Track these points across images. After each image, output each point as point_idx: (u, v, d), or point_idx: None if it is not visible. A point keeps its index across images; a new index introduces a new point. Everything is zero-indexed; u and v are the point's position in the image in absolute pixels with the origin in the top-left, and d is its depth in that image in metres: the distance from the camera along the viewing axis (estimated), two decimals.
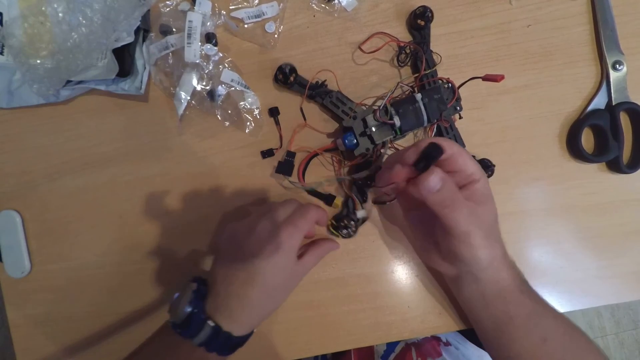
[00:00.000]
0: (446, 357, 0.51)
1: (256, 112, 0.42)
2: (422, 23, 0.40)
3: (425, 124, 0.38)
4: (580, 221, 0.42)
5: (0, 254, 0.44)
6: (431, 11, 0.40)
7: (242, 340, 0.34)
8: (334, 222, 0.41)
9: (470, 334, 0.56)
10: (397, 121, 0.37)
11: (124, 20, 0.38)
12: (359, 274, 0.43)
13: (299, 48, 0.43)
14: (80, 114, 0.44)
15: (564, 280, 0.42)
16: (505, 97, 0.42)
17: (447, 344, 0.52)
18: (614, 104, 0.41)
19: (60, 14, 0.38)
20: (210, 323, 0.31)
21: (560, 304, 0.42)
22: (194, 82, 0.41)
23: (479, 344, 0.54)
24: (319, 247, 0.39)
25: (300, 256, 0.36)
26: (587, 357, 0.34)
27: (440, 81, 0.39)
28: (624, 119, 0.42)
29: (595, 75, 0.42)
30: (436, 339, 0.52)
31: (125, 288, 0.44)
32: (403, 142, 0.42)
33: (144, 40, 0.42)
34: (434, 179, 0.29)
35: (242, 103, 0.42)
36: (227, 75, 0.41)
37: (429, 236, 0.36)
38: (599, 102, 0.41)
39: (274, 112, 0.42)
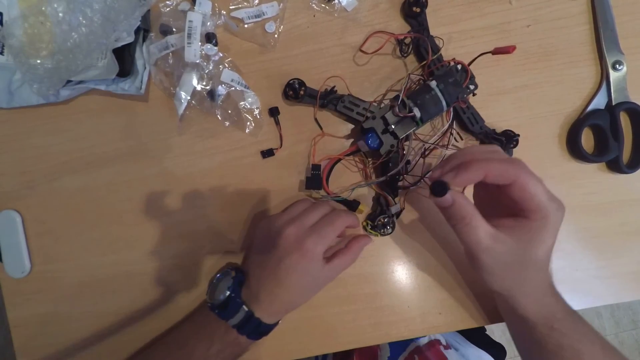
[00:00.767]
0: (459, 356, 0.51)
1: (256, 112, 0.42)
2: (418, 10, 0.40)
3: (445, 109, 0.38)
4: (580, 221, 0.42)
5: (0, 254, 0.44)
6: None
7: (269, 328, 0.37)
8: (370, 222, 0.41)
9: (470, 334, 0.56)
10: (417, 112, 0.37)
11: (124, 20, 0.38)
12: (359, 274, 0.43)
13: (299, 48, 0.43)
14: (80, 114, 0.44)
15: (564, 280, 0.42)
16: (505, 97, 0.42)
17: (447, 346, 0.52)
18: (613, 104, 0.41)
19: (60, 14, 0.38)
20: (245, 308, 0.35)
21: None
22: (194, 82, 0.41)
23: (479, 344, 0.54)
24: (348, 251, 0.38)
25: (330, 259, 0.37)
26: None
27: (448, 64, 0.39)
28: (624, 119, 0.42)
29: (595, 75, 0.42)
30: (437, 342, 0.52)
31: (125, 288, 0.44)
32: (424, 131, 0.42)
33: (144, 40, 0.42)
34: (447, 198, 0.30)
35: (242, 103, 0.42)
36: (227, 75, 0.41)
37: None
38: (599, 102, 0.41)
39: (274, 112, 0.42)
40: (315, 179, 0.40)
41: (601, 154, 0.41)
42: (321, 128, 0.42)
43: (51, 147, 0.44)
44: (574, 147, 0.42)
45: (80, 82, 0.41)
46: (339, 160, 0.42)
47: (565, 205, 0.42)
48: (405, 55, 0.42)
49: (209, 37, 0.41)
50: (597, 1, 0.41)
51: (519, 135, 0.40)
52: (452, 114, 0.40)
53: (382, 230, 0.41)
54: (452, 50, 0.42)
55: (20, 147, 0.45)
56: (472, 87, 0.39)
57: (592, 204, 0.42)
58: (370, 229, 0.41)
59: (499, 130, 0.41)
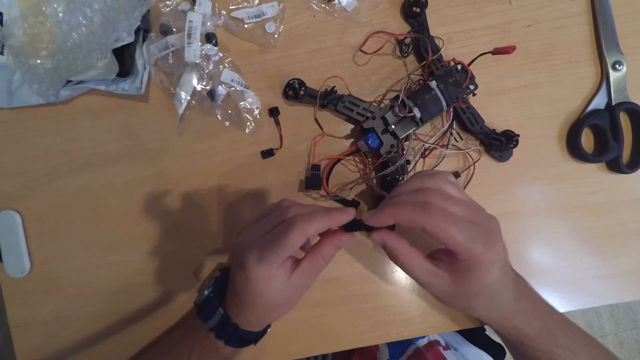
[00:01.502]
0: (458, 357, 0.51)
1: (256, 112, 0.42)
2: (418, 10, 0.41)
3: (445, 109, 0.38)
4: (580, 221, 0.42)
5: (1, 254, 0.44)
6: None
7: (251, 336, 0.35)
8: None
9: (470, 335, 0.56)
10: (417, 113, 0.37)
11: (124, 20, 0.38)
12: (359, 274, 0.43)
13: (299, 48, 0.43)
14: (80, 114, 0.44)
15: (564, 280, 0.42)
16: (505, 97, 0.42)
17: (446, 347, 0.52)
18: (613, 104, 0.41)
19: (60, 14, 0.38)
20: (220, 311, 0.33)
21: (560, 304, 0.42)
22: (194, 82, 0.41)
23: (478, 345, 0.54)
24: (316, 253, 0.32)
25: (298, 264, 0.32)
26: None
27: (448, 64, 0.39)
28: (624, 119, 0.42)
29: (595, 75, 0.42)
30: (437, 343, 0.52)
31: (125, 288, 0.44)
32: (424, 131, 0.42)
33: (144, 40, 0.42)
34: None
35: (242, 103, 0.42)
36: (227, 75, 0.41)
37: None
38: (599, 102, 0.42)
39: (274, 112, 0.42)
40: (314, 179, 0.40)
41: (601, 154, 0.41)
42: (321, 128, 0.42)
43: (51, 147, 0.44)
44: (574, 147, 0.42)
45: (80, 82, 0.41)
46: (338, 160, 0.42)
47: (565, 205, 0.42)
48: (405, 55, 0.42)
49: (209, 37, 0.41)
50: (597, 1, 0.41)
51: (519, 135, 0.40)
52: (452, 114, 0.40)
53: None
54: (452, 50, 0.42)
55: (20, 147, 0.44)
56: (472, 87, 0.39)
57: (592, 204, 0.42)
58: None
59: (499, 130, 0.41)
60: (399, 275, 0.43)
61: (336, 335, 0.43)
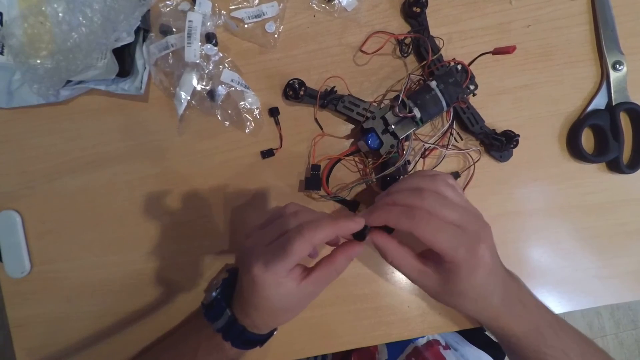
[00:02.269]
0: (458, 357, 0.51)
1: (256, 112, 0.42)
2: (418, 10, 0.40)
3: (445, 109, 0.38)
4: (580, 221, 0.42)
5: (0, 254, 0.44)
6: None
7: (257, 338, 0.35)
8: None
9: (470, 335, 0.56)
10: (417, 113, 0.37)
11: (124, 20, 0.38)
12: (359, 274, 0.43)
13: (299, 48, 0.43)
14: (80, 114, 0.44)
15: (564, 280, 0.42)
16: (505, 97, 0.42)
17: (447, 347, 0.52)
18: (614, 104, 0.41)
19: (60, 14, 0.38)
20: (228, 312, 0.33)
21: (560, 304, 0.42)
22: (194, 82, 0.41)
23: (478, 345, 0.54)
24: (330, 263, 0.32)
25: (309, 272, 0.32)
26: None
27: (448, 64, 0.39)
28: (624, 119, 0.42)
29: (595, 75, 0.42)
30: (436, 342, 0.52)
31: (125, 288, 0.44)
32: (424, 131, 0.42)
33: (144, 40, 0.42)
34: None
35: (242, 103, 0.42)
36: (227, 75, 0.41)
37: None
38: (599, 102, 0.41)
39: (274, 112, 0.42)
40: (314, 179, 0.40)
41: (601, 154, 0.41)
42: (321, 128, 0.42)
43: (51, 147, 0.44)
44: (574, 147, 0.42)
45: (80, 82, 0.41)
46: (338, 160, 0.42)
47: (565, 205, 0.42)
48: (405, 55, 0.42)
49: (209, 37, 0.41)
50: (597, 1, 0.41)
51: (519, 135, 0.40)
52: (452, 114, 0.40)
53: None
54: (452, 50, 0.42)
55: (20, 147, 0.45)
56: (472, 87, 0.39)
57: (592, 204, 0.42)
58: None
59: (499, 130, 0.41)
60: (399, 275, 0.43)
61: (336, 335, 0.43)
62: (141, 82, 0.41)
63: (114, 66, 0.39)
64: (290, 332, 0.43)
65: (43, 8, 0.39)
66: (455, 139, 0.41)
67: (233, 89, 0.41)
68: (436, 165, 0.42)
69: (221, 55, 0.42)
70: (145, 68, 0.42)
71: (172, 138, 0.43)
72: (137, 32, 0.40)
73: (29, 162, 0.44)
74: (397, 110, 0.37)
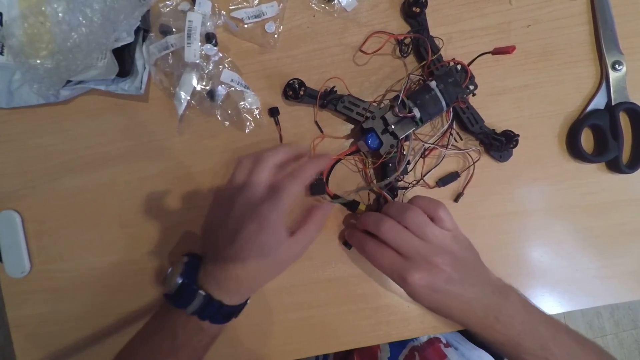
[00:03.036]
0: (451, 358, 0.51)
1: (256, 112, 0.42)
2: (418, 10, 0.40)
3: (445, 109, 0.38)
4: (580, 221, 0.42)
5: (0, 254, 0.44)
6: None
7: (235, 310, 0.35)
8: None
9: (470, 334, 0.56)
10: (417, 113, 0.37)
11: (124, 20, 0.38)
12: (359, 274, 0.43)
13: (299, 48, 0.43)
14: (80, 114, 0.44)
15: (564, 280, 0.42)
16: (505, 97, 0.42)
17: (447, 345, 0.52)
18: (613, 104, 0.41)
19: (60, 14, 0.38)
20: (202, 292, 0.32)
21: (560, 304, 0.42)
22: (194, 82, 0.41)
23: (478, 344, 0.54)
24: (310, 220, 0.36)
25: (292, 233, 0.34)
26: None
27: (448, 64, 0.39)
28: (624, 119, 0.42)
29: (594, 75, 0.42)
30: (437, 340, 0.52)
31: (125, 288, 0.44)
32: (424, 131, 0.42)
33: (144, 40, 0.42)
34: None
35: (242, 103, 0.42)
36: (227, 75, 0.41)
37: None
38: (599, 102, 0.42)
39: (274, 112, 0.42)
40: (318, 184, 0.41)
41: (601, 154, 0.41)
42: (321, 130, 0.42)
43: (51, 147, 0.44)
44: (573, 147, 0.42)
45: (80, 82, 0.41)
46: (338, 160, 0.42)
47: (565, 205, 0.42)
48: (405, 55, 0.42)
49: (209, 37, 0.41)
50: (597, 1, 0.41)
51: (518, 135, 0.40)
52: (452, 114, 0.40)
53: None
54: (452, 50, 0.42)
55: (20, 147, 0.45)
56: (471, 87, 0.39)
57: (592, 204, 0.42)
58: None
59: (499, 130, 0.41)
60: None
61: (336, 335, 0.43)
62: (141, 82, 0.41)
63: (114, 66, 0.39)
64: (290, 332, 0.43)
65: (43, 8, 0.39)
66: (455, 138, 0.41)
67: (233, 89, 0.41)
68: (436, 165, 0.42)
69: (221, 55, 0.42)
70: (145, 68, 0.42)
71: (172, 138, 0.43)
72: (137, 32, 0.40)
73: (29, 162, 0.44)
74: (396, 110, 0.37)
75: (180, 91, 0.41)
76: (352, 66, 0.43)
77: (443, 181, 0.42)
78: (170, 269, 0.35)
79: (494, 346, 0.35)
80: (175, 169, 0.44)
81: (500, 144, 0.40)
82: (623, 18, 0.41)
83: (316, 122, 0.42)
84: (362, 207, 0.41)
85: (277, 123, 0.42)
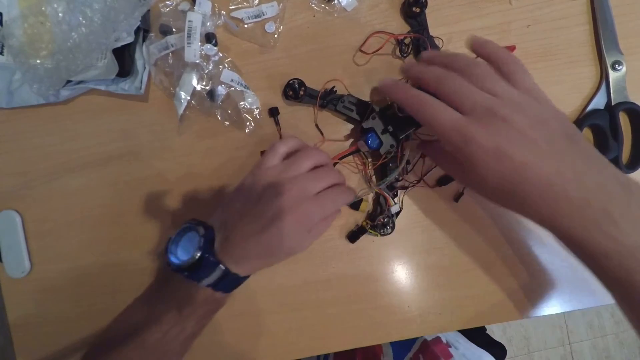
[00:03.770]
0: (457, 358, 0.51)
1: (256, 112, 0.42)
2: (418, 10, 0.41)
3: None
4: None
5: (0, 254, 0.44)
6: None
7: (243, 281, 0.35)
8: (370, 222, 0.41)
9: (470, 334, 0.56)
10: None
11: (124, 20, 0.38)
12: (359, 274, 0.43)
13: (299, 48, 0.43)
14: (80, 114, 0.44)
15: (564, 280, 0.42)
16: None
17: (448, 345, 0.52)
18: (613, 104, 0.41)
19: (60, 14, 0.38)
20: (222, 267, 0.32)
21: (560, 304, 0.42)
22: (194, 82, 0.41)
23: (479, 344, 0.54)
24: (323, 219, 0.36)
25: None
26: None
27: None
28: (623, 119, 0.42)
29: (594, 75, 0.42)
30: (439, 340, 0.52)
31: (125, 288, 0.44)
32: (424, 130, 0.42)
33: (144, 40, 0.42)
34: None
35: (242, 103, 0.42)
36: (227, 75, 0.41)
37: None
38: (599, 102, 0.41)
39: (274, 112, 0.42)
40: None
41: (601, 154, 0.41)
42: (322, 133, 0.42)
43: (51, 147, 0.44)
44: None
45: (80, 82, 0.42)
46: (338, 161, 0.42)
47: None
48: (405, 55, 0.42)
49: (209, 37, 0.41)
50: (596, 1, 0.41)
51: None
52: None
53: (382, 230, 0.41)
54: (452, 50, 0.42)
55: (20, 147, 0.45)
56: None
57: None
58: (370, 228, 0.41)
59: None
60: (399, 275, 0.43)
61: (336, 335, 0.43)
62: (141, 82, 0.41)
63: (114, 66, 0.40)
64: (290, 332, 0.43)
65: (43, 8, 0.39)
66: None
67: (233, 89, 0.42)
68: (436, 165, 0.42)
69: (221, 55, 0.42)
70: (145, 68, 0.42)
71: (172, 138, 0.43)
72: (137, 32, 0.40)
73: (29, 162, 0.44)
74: (396, 110, 0.37)
75: (180, 91, 0.41)
76: (352, 66, 0.43)
77: (443, 181, 0.42)
78: (173, 238, 0.33)
79: (589, 257, 0.26)
80: (175, 169, 0.44)
81: None
82: (623, 18, 0.41)
83: (316, 125, 0.42)
84: (364, 205, 0.41)
85: (277, 123, 0.42)
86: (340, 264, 0.43)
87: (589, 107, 0.41)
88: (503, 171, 0.26)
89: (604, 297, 0.42)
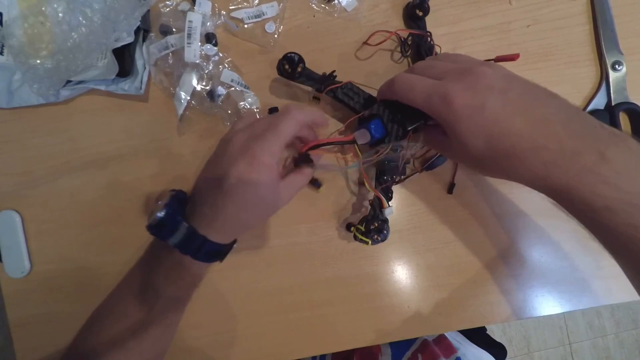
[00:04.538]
0: (460, 355, 0.51)
1: (256, 112, 0.42)
2: (421, 13, 0.40)
3: None
4: None
5: (0, 254, 0.44)
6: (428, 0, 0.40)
7: (219, 249, 0.33)
8: (361, 228, 0.37)
9: (470, 334, 0.56)
10: None
11: (124, 20, 0.38)
12: (359, 274, 0.43)
13: (299, 48, 0.43)
14: (80, 114, 0.44)
15: (564, 280, 0.42)
16: None
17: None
18: (613, 104, 0.41)
19: (60, 14, 0.38)
20: (185, 224, 0.31)
21: (560, 304, 0.42)
22: (194, 82, 0.41)
23: (479, 344, 0.54)
24: (300, 169, 0.36)
25: (284, 177, 0.34)
26: None
27: None
28: (623, 120, 0.42)
29: (594, 75, 0.42)
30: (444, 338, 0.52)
31: None
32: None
33: (144, 40, 0.42)
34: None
35: (242, 103, 0.42)
36: (227, 75, 0.41)
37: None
38: (599, 102, 0.42)
39: (273, 112, 0.42)
40: (304, 156, 0.36)
41: None
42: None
43: (51, 147, 0.44)
44: None
45: (80, 82, 0.42)
46: (327, 144, 0.35)
47: None
48: (405, 55, 0.42)
49: (209, 37, 0.41)
50: (597, 1, 0.41)
51: None
52: None
53: (375, 237, 0.37)
54: (452, 50, 0.42)
55: (20, 147, 0.45)
56: None
57: None
58: (361, 234, 0.37)
59: None
60: (399, 275, 0.43)
61: (336, 335, 0.43)
62: (141, 82, 0.41)
63: (114, 66, 0.40)
64: (290, 332, 0.43)
65: (43, 8, 0.39)
66: None
67: (233, 89, 0.42)
68: (433, 159, 0.42)
69: (221, 55, 0.42)
70: (145, 68, 0.42)
71: (172, 138, 0.43)
72: (137, 32, 0.40)
73: (29, 162, 0.44)
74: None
75: (180, 91, 0.41)
76: (352, 66, 0.43)
77: (430, 165, 0.41)
78: (154, 207, 0.33)
79: (582, 212, 0.25)
80: (175, 168, 0.44)
81: None
82: (623, 18, 0.41)
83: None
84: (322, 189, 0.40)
85: None
86: (340, 264, 0.43)
87: (589, 108, 0.41)
88: (486, 125, 0.26)
89: (604, 297, 0.42)
